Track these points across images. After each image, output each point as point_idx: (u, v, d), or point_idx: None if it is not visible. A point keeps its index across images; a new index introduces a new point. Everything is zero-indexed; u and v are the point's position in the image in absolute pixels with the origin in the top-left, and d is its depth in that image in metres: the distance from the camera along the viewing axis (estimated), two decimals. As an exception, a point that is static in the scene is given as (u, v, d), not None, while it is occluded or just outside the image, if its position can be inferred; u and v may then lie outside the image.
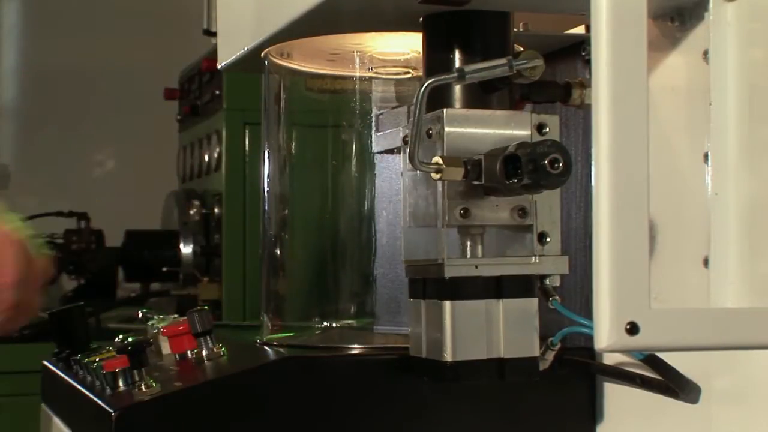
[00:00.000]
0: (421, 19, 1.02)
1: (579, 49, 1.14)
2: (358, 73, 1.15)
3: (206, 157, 2.48)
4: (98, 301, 2.51)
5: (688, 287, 0.91)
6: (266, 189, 1.20)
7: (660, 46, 0.93)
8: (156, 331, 1.18)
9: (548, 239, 0.96)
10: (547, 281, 0.96)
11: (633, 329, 0.72)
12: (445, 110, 0.95)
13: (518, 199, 0.95)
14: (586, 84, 1.02)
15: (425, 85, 0.92)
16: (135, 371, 1.02)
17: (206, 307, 1.17)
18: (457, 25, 1.00)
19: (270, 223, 1.22)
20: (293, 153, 1.20)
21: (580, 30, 1.16)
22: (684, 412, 0.94)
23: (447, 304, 0.94)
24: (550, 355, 0.97)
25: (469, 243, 0.97)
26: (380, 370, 1.02)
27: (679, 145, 0.91)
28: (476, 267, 0.95)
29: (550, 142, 0.90)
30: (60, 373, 1.24)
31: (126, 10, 3.27)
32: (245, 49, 1.18)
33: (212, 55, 2.05)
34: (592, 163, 0.73)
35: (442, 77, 0.93)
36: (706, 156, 0.89)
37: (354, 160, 1.17)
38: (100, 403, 1.00)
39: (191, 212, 2.47)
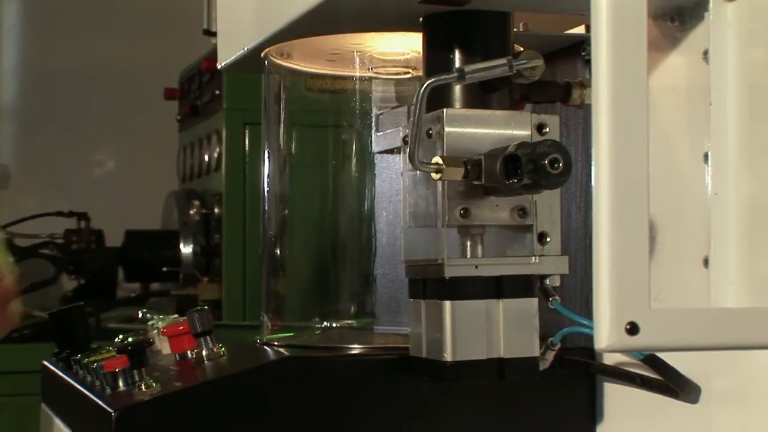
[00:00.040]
0: (421, 19, 1.02)
1: (579, 49, 1.14)
2: (358, 73, 1.15)
3: (206, 157, 2.48)
4: (98, 301, 2.51)
5: (688, 287, 0.91)
6: (266, 189, 1.20)
7: (660, 46, 0.93)
8: (156, 331, 1.18)
9: (548, 239, 0.96)
10: (547, 281, 0.96)
11: (633, 329, 0.72)
12: (445, 110, 0.95)
13: (518, 199, 0.95)
14: (586, 84, 1.02)
15: (425, 85, 0.92)
16: (135, 371, 1.02)
17: (206, 307, 1.17)
18: (457, 25, 1.00)
19: (270, 223, 1.22)
20: (293, 153, 1.20)
21: (580, 30, 1.16)
22: (684, 412, 0.94)
23: (447, 304, 0.94)
24: (550, 355, 0.97)
25: (469, 243, 0.97)
26: (380, 370, 1.02)
27: (679, 145, 0.91)
28: (476, 267, 0.95)
29: (550, 142, 0.90)
30: (60, 373, 1.24)
31: (126, 10, 3.27)
32: (245, 49, 1.18)
33: (212, 55, 2.05)
34: (592, 163, 0.73)
35: (442, 77, 0.93)
36: (706, 156, 0.89)
37: (354, 160, 1.17)
38: (100, 403, 1.00)
39: (191, 212, 2.47)
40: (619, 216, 0.72)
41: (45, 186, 3.24)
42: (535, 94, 1.01)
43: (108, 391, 1.03)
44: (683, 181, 0.91)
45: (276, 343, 1.15)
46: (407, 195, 1.01)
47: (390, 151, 1.13)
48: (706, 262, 0.90)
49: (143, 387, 1.00)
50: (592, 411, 1.08)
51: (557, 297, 0.96)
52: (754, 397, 0.93)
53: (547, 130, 0.97)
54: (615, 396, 1.06)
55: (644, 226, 0.73)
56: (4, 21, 3.37)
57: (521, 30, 1.13)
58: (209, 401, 0.97)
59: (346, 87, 1.17)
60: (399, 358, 1.01)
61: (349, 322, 1.18)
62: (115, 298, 2.70)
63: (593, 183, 0.73)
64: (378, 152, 1.14)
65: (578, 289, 1.12)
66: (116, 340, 1.18)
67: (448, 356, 0.94)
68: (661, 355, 0.92)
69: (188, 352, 1.11)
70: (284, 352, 1.08)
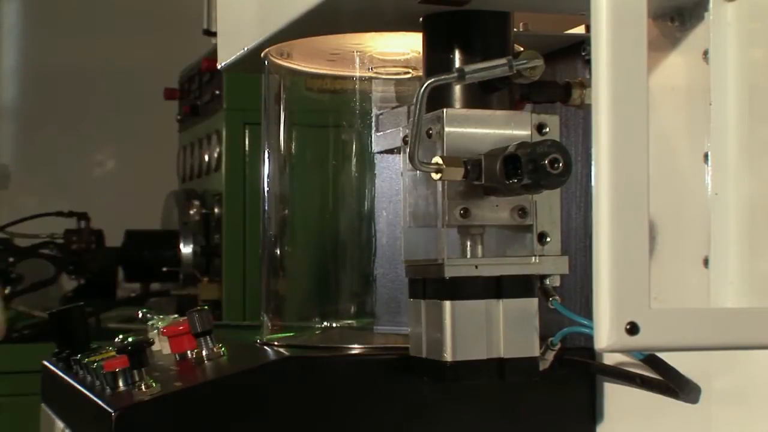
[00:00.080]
0: (421, 19, 1.02)
1: (579, 49, 1.14)
2: (358, 73, 1.15)
3: (206, 157, 2.48)
4: (98, 301, 2.51)
5: (688, 287, 0.91)
6: (266, 189, 1.20)
7: (660, 46, 0.93)
8: (156, 331, 1.18)
9: (548, 239, 0.96)
10: (547, 281, 0.96)
11: (633, 329, 0.72)
12: (445, 110, 0.95)
13: (518, 199, 0.95)
14: (586, 84, 1.02)
15: (425, 85, 0.92)
16: (135, 371, 1.02)
17: (206, 307, 1.17)
18: (457, 25, 1.00)
19: (270, 223, 1.22)
20: (293, 153, 1.20)
21: (580, 30, 1.16)
22: (684, 412, 0.94)
23: (447, 304, 0.94)
24: (550, 355, 0.97)
25: (469, 243, 0.97)
26: (380, 370, 1.02)
27: (679, 145, 0.91)
28: (476, 267, 0.95)
29: (550, 142, 0.90)
30: (60, 373, 1.24)
31: (126, 10, 3.27)
32: (245, 49, 1.18)
33: (212, 55, 2.05)
34: (592, 163, 0.73)
35: (442, 77, 0.93)
36: (706, 156, 0.89)
37: (354, 160, 1.17)
38: (100, 403, 1.00)
39: (191, 212, 2.47)
40: (619, 216, 0.72)
41: (45, 186, 3.24)
42: (535, 94, 1.01)
43: (108, 391, 1.03)
44: (683, 181, 0.91)
45: (276, 343, 1.15)
46: (407, 195, 1.01)
47: (390, 151, 1.13)
48: (706, 262, 0.90)
49: (143, 387, 1.00)
50: (592, 411, 1.08)
51: (557, 297, 0.96)
52: (754, 397, 0.93)
53: (547, 130, 0.97)
54: (615, 396, 1.06)
55: (644, 226, 0.73)
56: (4, 21, 3.37)
57: (521, 30, 1.13)
58: (209, 401, 0.97)
59: (346, 87, 1.17)
60: (399, 358, 1.01)
61: (349, 322, 1.18)
62: (115, 298, 2.70)
63: (593, 183, 0.73)
64: (378, 152, 1.14)
65: (578, 289, 1.12)
66: (116, 340, 1.18)
67: (448, 356, 0.94)
68: (661, 355, 0.92)
69: (188, 352, 1.11)
70: (284, 352, 1.08)
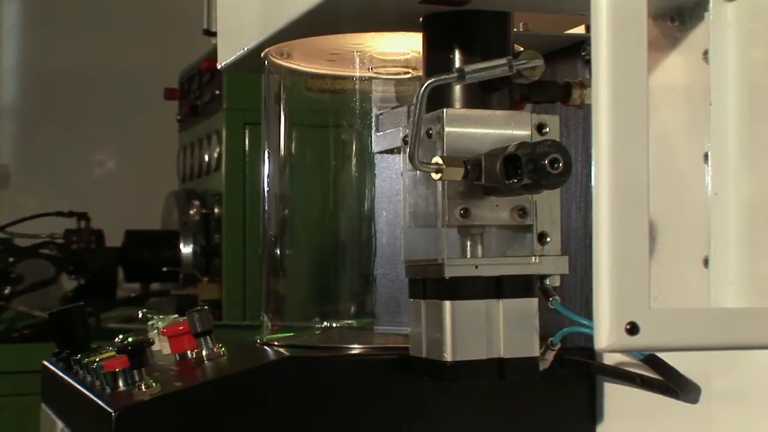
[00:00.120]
0: (421, 19, 1.02)
1: (579, 49, 1.14)
2: (358, 73, 1.15)
3: (206, 157, 2.48)
4: (98, 301, 2.51)
5: (688, 287, 0.91)
6: (266, 189, 1.20)
7: (660, 46, 0.93)
8: (156, 331, 1.18)
9: (548, 239, 0.96)
10: (547, 281, 0.96)
11: (633, 329, 0.72)
12: (445, 110, 0.95)
13: (518, 199, 0.95)
14: (586, 84, 1.02)
15: (425, 85, 0.92)
16: (135, 371, 1.02)
17: (206, 307, 1.17)
18: (457, 25, 1.00)
19: (270, 223, 1.22)
20: (293, 153, 1.20)
21: (580, 30, 1.16)
22: (684, 412, 0.94)
23: (447, 304, 0.94)
24: (550, 355, 0.97)
25: (469, 243, 0.97)
26: (380, 370, 1.02)
27: (679, 145, 0.91)
28: (476, 267, 0.95)
29: (550, 142, 0.90)
30: (60, 373, 1.24)
31: (126, 10, 3.27)
32: (245, 49, 1.18)
33: (212, 55, 2.05)
34: (592, 163, 0.73)
35: (442, 77, 0.93)
36: (706, 156, 0.89)
37: (354, 160, 1.17)
38: (100, 403, 1.00)
39: (191, 212, 2.47)
40: (619, 216, 0.72)
41: (45, 186, 3.24)
42: (535, 94, 1.01)
43: (108, 391, 1.03)
44: (683, 181, 0.91)
45: (276, 343, 1.15)
46: (407, 195, 1.01)
47: (390, 151, 1.13)
48: (706, 262, 0.90)
49: (143, 387, 1.00)
50: (592, 411, 1.08)
51: (557, 297, 0.96)
52: (754, 397, 0.93)
53: (547, 130, 0.97)
54: (615, 396, 1.06)
55: (644, 226, 0.73)
56: (4, 21, 3.37)
57: (521, 30, 1.13)
58: (209, 401, 0.97)
59: (346, 87, 1.17)
60: (399, 358, 1.01)
61: (349, 322, 1.17)
62: (115, 298, 2.70)
63: (593, 183, 0.73)
64: (378, 152, 1.14)
65: (578, 289, 1.12)
66: (116, 340, 1.18)
67: (448, 356, 0.94)
68: (661, 355, 0.92)
69: (188, 352, 1.11)
70: (284, 352, 1.08)
